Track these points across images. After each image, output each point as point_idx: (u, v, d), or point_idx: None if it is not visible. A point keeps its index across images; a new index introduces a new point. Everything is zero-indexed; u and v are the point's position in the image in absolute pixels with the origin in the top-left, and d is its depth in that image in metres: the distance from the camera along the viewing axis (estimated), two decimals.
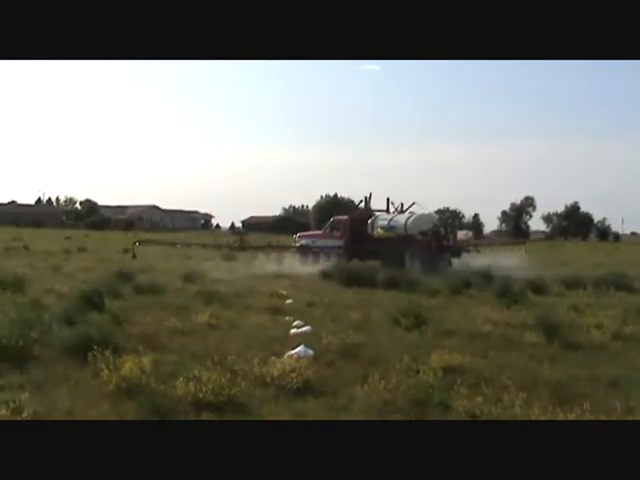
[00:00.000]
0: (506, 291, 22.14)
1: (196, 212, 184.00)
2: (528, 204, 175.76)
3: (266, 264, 37.41)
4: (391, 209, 42.93)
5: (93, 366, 11.19)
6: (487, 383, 10.74)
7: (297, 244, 43.61)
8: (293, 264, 37.90)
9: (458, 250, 40.79)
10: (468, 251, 42.17)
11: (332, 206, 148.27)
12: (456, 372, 11.60)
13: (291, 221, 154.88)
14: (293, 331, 15.63)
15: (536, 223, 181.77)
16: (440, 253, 38.99)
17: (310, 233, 46.70)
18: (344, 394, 10.50)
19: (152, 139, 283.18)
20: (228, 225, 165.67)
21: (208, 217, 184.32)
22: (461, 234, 49.28)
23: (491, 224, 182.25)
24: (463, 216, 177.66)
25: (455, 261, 39.36)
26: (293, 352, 12.77)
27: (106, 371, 10.59)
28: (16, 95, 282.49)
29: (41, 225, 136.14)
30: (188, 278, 26.61)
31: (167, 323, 15.84)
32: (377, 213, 42.30)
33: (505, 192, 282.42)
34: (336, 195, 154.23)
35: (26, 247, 51.65)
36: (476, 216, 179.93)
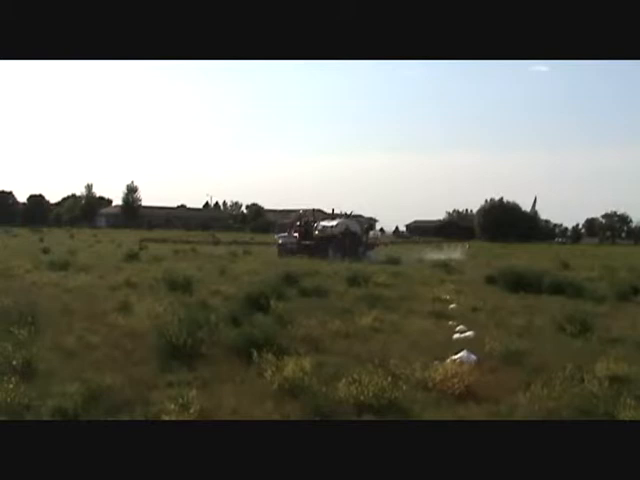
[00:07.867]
0: None
1: (360, 216, 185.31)
2: None
3: None
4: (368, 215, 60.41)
5: (257, 366, 11.49)
6: None
7: (278, 241, 59.38)
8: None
9: (372, 245, 59.04)
10: (377, 245, 61.38)
11: (498, 210, 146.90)
12: (622, 382, 11.29)
13: (454, 225, 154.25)
14: (456, 336, 15.55)
15: None
16: (354, 247, 54.63)
17: (283, 234, 61.40)
18: (506, 401, 10.35)
19: (316, 145, 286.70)
20: (392, 229, 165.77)
21: (372, 221, 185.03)
22: (372, 233, 68.11)
23: None
24: (630, 221, 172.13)
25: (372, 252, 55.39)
26: (456, 357, 12.71)
27: (269, 371, 10.86)
28: (184, 103, 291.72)
29: (209, 229, 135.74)
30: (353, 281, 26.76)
31: (330, 325, 16.03)
32: (322, 219, 60.99)
33: None
34: (502, 199, 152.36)
35: (194, 250, 53.30)
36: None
